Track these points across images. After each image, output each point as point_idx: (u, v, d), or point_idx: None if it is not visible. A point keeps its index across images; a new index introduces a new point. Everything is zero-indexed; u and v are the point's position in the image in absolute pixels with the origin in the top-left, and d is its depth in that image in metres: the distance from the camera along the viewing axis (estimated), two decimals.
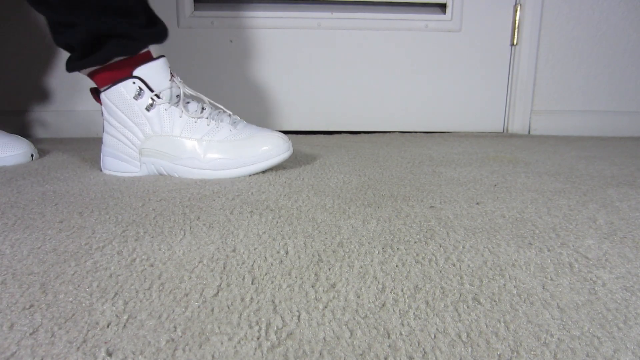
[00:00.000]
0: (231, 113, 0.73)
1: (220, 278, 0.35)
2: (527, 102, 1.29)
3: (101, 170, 0.73)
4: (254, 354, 0.25)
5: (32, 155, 0.84)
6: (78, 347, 0.26)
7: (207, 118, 0.69)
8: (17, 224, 0.47)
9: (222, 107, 0.73)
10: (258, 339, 0.27)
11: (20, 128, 1.20)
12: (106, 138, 0.71)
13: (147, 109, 0.66)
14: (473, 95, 1.29)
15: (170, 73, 0.69)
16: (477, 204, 0.55)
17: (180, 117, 0.67)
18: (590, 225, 0.48)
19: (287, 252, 0.40)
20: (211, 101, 0.72)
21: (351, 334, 0.27)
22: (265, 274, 0.35)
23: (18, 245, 0.41)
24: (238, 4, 1.19)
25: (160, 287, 0.33)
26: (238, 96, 1.24)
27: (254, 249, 0.40)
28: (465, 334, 0.27)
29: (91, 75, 0.69)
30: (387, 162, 0.82)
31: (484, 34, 1.26)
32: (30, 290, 0.33)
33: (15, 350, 0.26)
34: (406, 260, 0.38)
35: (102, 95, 0.68)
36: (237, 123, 0.71)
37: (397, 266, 0.37)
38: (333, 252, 0.40)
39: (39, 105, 1.21)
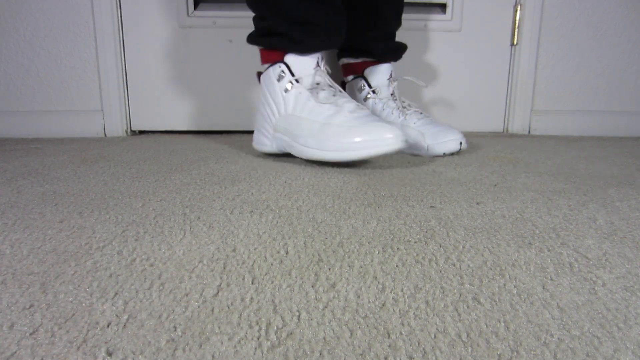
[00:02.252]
0: (358, 104, 0.78)
1: (220, 278, 0.35)
2: (527, 102, 1.29)
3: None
4: (254, 353, 0.25)
5: (460, 143, 0.88)
6: (78, 347, 0.26)
7: (330, 104, 0.76)
8: (17, 224, 0.47)
9: (352, 99, 0.80)
10: (258, 338, 0.27)
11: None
12: (257, 114, 0.85)
13: (285, 91, 0.78)
14: (473, 95, 1.29)
15: (317, 63, 0.79)
16: (477, 204, 0.55)
17: (309, 100, 0.77)
18: (590, 225, 0.48)
19: (287, 252, 0.40)
20: (342, 91, 0.81)
21: (351, 333, 0.27)
22: (265, 274, 0.35)
23: (18, 245, 0.41)
24: (238, 4, 1.18)
25: (160, 287, 0.33)
26: (238, 96, 1.24)
27: (254, 249, 0.40)
28: (465, 333, 0.27)
29: (261, 52, 0.83)
30: (387, 162, 0.82)
31: (484, 34, 1.26)
32: (30, 290, 0.33)
33: (15, 350, 0.26)
34: (406, 260, 0.38)
35: (260, 77, 0.82)
36: (357, 111, 0.75)
37: (397, 266, 0.37)
38: (333, 252, 0.40)
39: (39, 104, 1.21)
